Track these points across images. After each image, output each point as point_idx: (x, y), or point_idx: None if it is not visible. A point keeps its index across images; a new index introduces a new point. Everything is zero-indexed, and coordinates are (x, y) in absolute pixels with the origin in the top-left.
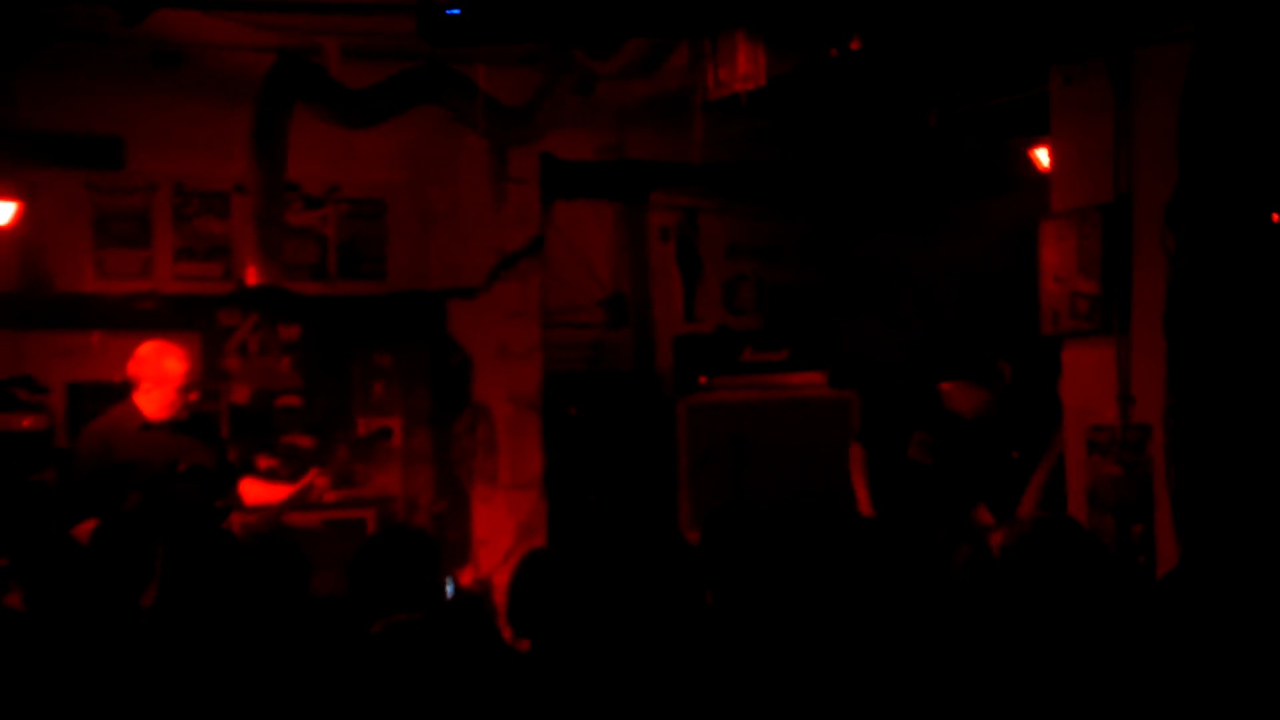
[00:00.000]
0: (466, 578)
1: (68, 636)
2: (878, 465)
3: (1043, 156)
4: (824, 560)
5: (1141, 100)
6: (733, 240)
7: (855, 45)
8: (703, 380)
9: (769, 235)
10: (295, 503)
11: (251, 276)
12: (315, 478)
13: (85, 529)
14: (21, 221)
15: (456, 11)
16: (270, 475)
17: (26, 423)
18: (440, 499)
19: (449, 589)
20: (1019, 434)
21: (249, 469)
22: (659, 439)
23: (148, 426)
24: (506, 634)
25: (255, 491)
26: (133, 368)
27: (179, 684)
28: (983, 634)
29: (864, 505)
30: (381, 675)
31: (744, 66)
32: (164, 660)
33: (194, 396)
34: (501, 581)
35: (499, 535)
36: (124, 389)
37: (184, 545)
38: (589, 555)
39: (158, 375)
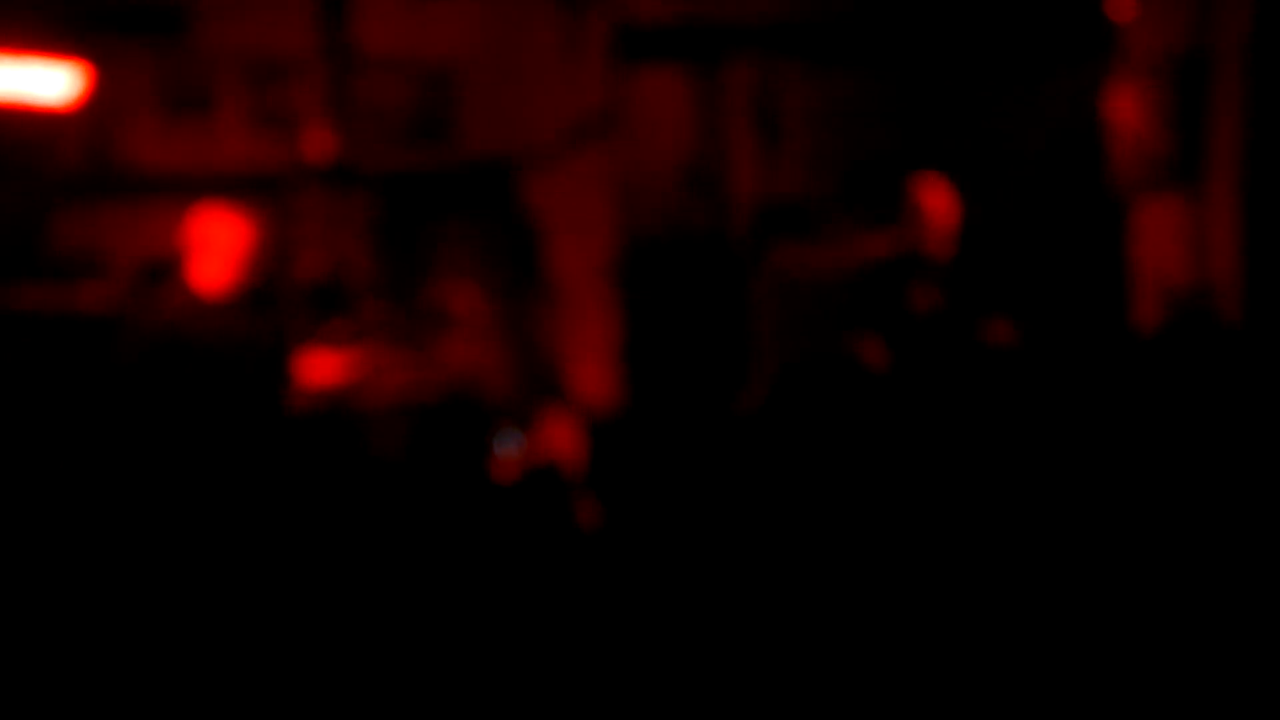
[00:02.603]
0: (537, 450)
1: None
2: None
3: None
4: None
5: None
6: (814, 104)
7: None
8: (780, 246)
9: (852, 100)
10: (359, 377)
11: (320, 148)
12: (381, 352)
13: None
14: (86, 93)
15: None
16: (336, 351)
17: (92, 300)
18: (513, 372)
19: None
20: None
21: (314, 345)
22: (736, 306)
23: (204, 300)
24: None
25: (319, 367)
26: (189, 236)
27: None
28: None
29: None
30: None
31: None
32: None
33: (256, 268)
34: (573, 455)
35: (572, 408)
36: (185, 262)
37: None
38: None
39: (215, 244)
